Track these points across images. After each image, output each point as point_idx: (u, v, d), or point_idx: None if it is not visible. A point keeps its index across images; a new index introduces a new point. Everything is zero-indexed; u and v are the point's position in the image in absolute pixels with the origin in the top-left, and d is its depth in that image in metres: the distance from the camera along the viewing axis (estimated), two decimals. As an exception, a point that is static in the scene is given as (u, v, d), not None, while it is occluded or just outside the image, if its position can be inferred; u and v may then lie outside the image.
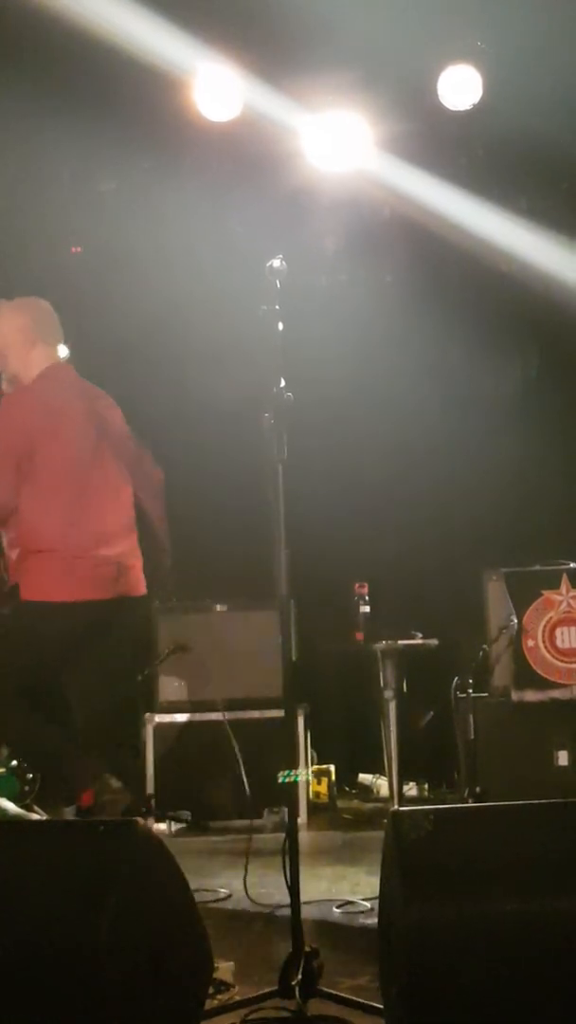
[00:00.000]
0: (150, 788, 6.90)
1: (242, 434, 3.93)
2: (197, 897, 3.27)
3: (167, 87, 6.35)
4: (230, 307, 5.98)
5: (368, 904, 4.76)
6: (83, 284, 7.53)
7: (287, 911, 3.44)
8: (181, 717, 7.09)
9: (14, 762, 6.70)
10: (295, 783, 6.47)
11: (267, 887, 4.90)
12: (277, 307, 3.66)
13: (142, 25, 5.86)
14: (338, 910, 4.74)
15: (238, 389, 5.78)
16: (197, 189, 7.05)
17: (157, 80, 6.22)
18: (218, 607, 7.30)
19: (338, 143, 6.74)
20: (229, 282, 6.50)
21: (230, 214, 7.22)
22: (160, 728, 7.04)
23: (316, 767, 7.39)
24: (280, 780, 7.33)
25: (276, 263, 3.70)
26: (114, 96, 6.29)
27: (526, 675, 6.45)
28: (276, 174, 6.98)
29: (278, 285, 3.68)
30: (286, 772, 7.39)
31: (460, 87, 6.46)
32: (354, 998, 3.30)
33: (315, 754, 7.42)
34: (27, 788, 6.71)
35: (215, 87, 6.45)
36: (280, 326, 3.65)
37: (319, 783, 7.38)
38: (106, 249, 7.42)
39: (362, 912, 4.64)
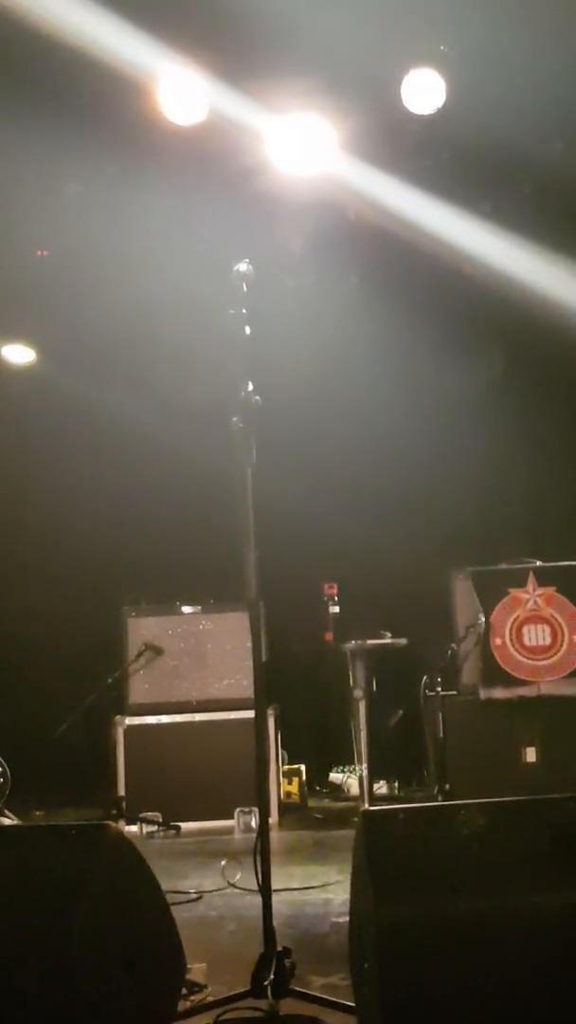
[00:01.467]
0: (121, 791, 6.91)
1: (211, 437, 3.93)
2: (169, 899, 3.28)
3: (132, 91, 6.34)
4: (197, 311, 5.99)
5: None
6: (49, 287, 7.51)
7: (259, 911, 3.46)
8: (152, 719, 7.09)
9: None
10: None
11: (239, 887, 4.92)
12: (244, 311, 3.66)
13: (107, 29, 5.85)
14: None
15: (206, 393, 5.79)
16: (163, 192, 7.04)
17: (122, 84, 6.21)
18: (188, 609, 7.31)
19: (303, 146, 6.76)
20: (196, 286, 6.50)
21: (196, 217, 7.23)
22: (131, 730, 7.04)
23: (287, 767, 7.42)
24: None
25: (243, 266, 3.70)
26: (79, 100, 6.27)
27: (494, 673, 6.51)
28: (242, 178, 6.99)
29: (245, 288, 3.69)
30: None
31: (424, 91, 6.49)
32: (326, 997, 3.32)
33: (286, 754, 7.43)
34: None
35: (180, 91, 6.46)
36: (247, 329, 3.65)
37: (290, 783, 7.40)
38: (72, 253, 7.40)
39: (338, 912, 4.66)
